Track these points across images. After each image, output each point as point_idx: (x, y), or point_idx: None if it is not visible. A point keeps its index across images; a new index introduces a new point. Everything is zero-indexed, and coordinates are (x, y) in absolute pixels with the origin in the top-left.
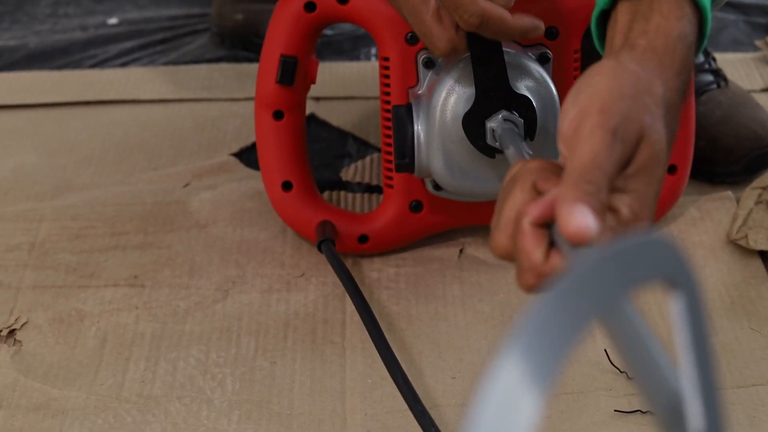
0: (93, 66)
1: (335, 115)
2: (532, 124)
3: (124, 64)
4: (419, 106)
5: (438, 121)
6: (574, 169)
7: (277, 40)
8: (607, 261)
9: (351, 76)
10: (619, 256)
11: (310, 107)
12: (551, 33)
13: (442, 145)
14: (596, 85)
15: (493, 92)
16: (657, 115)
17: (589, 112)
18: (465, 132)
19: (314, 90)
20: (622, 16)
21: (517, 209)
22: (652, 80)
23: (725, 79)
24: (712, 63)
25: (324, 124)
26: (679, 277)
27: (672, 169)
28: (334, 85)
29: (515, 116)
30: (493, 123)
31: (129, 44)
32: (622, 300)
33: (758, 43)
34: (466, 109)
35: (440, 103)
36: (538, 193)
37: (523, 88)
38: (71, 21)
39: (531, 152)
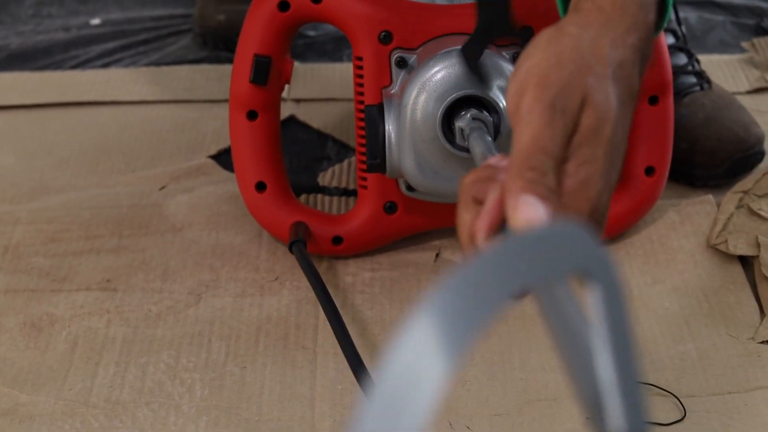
0: (74, 67)
1: (316, 117)
2: (498, 124)
3: (105, 65)
4: (391, 106)
5: (409, 121)
6: (516, 156)
7: (251, 39)
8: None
9: (333, 78)
10: (537, 241)
11: (291, 109)
12: (526, 32)
13: (413, 144)
14: (533, 57)
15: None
16: (602, 74)
17: (526, 87)
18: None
19: (295, 91)
20: None
21: (468, 231)
22: (596, 40)
23: (709, 81)
24: (696, 65)
25: (304, 126)
26: (594, 268)
27: (650, 171)
28: (315, 87)
29: (485, 115)
30: (462, 122)
31: (111, 45)
32: (556, 281)
33: (745, 44)
34: (439, 108)
35: (411, 102)
36: (479, 205)
37: (495, 87)
38: (54, 21)
39: (497, 153)
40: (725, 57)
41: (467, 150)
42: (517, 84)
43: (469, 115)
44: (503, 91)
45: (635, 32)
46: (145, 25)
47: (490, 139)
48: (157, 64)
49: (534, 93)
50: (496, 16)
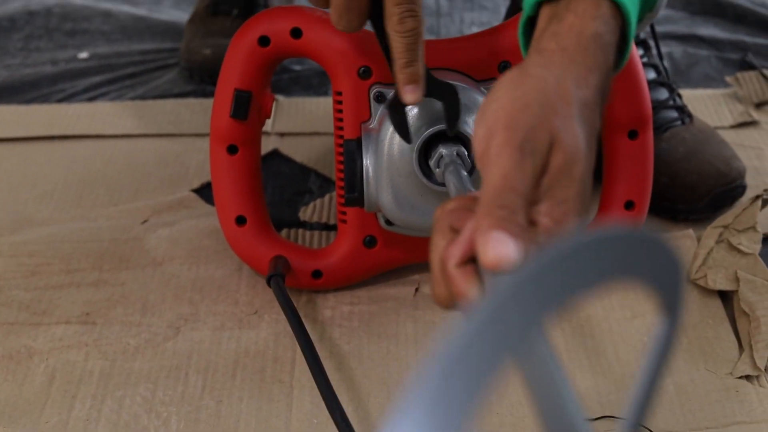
0: (61, 100)
1: (299, 151)
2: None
3: (92, 99)
4: (369, 140)
5: (386, 155)
6: (486, 195)
7: (232, 74)
8: (517, 290)
9: (317, 112)
10: (536, 273)
11: (275, 142)
12: (504, 67)
13: (390, 178)
14: (500, 99)
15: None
16: (569, 115)
17: (494, 129)
18: (415, 160)
19: (279, 125)
20: (541, 21)
21: (440, 257)
22: (561, 81)
23: (690, 116)
24: (677, 99)
25: (287, 160)
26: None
27: (629, 205)
28: (299, 121)
29: (461, 149)
30: (438, 157)
31: (98, 78)
32: (533, 334)
33: (729, 79)
34: (415, 143)
35: (388, 136)
36: (455, 233)
37: (471, 122)
38: (42, 55)
39: (472, 188)
40: (709, 91)
41: (444, 184)
42: (484, 127)
43: (444, 150)
44: None
45: (597, 73)
46: (132, 59)
47: (465, 174)
48: (143, 97)
49: (503, 135)
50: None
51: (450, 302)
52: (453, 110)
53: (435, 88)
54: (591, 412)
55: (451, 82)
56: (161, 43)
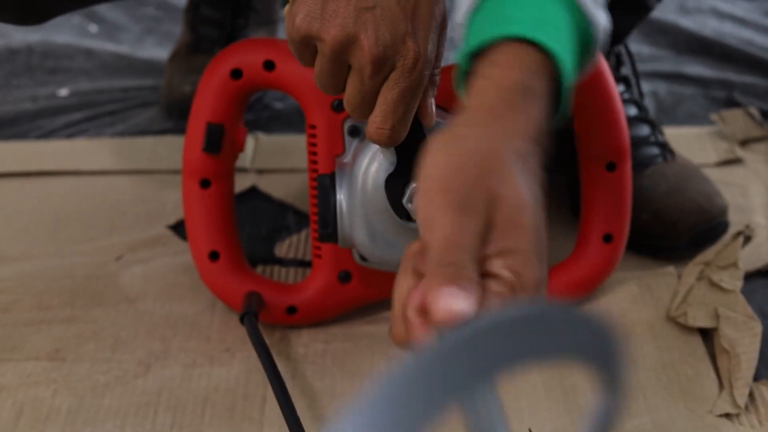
0: (39, 137)
1: (278, 188)
2: None
3: (71, 135)
4: (343, 175)
5: (360, 190)
6: (432, 257)
7: (204, 107)
8: (462, 342)
9: (297, 149)
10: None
11: (253, 179)
12: None
13: (364, 214)
14: (433, 164)
15: (414, 155)
16: (504, 169)
17: (432, 194)
18: (387, 196)
19: (258, 162)
20: (472, 76)
21: (402, 298)
22: (489, 138)
23: (672, 153)
24: (659, 136)
25: (265, 197)
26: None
27: (608, 238)
28: (278, 158)
29: None
30: (411, 191)
31: (77, 115)
32: (479, 385)
33: (713, 117)
34: (387, 176)
35: (362, 171)
36: (419, 276)
37: None
38: (22, 91)
39: None
40: (694, 130)
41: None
42: (422, 193)
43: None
44: None
45: (525, 122)
46: (112, 96)
47: None
48: (122, 134)
49: (441, 199)
50: (416, 153)
51: (406, 343)
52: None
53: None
54: None
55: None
56: (142, 81)
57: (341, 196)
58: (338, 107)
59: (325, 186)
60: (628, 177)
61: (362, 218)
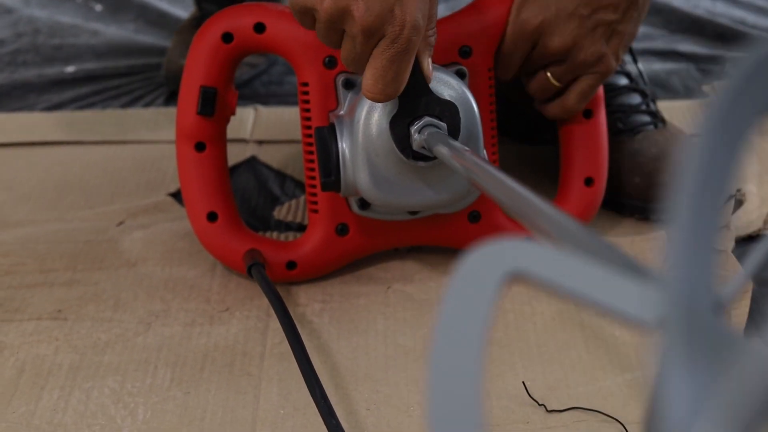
0: (45, 109)
1: (276, 158)
2: (456, 126)
3: (78, 109)
4: (342, 126)
5: (362, 137)
6: None
7: (197, 71)
8: None
9: (295, 121)
10: None
11: (253, 150)
12: (465, 52)
13: (367, 159)
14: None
15: (415, 99)
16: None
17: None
18: (392, 138)
19: (257, 133)
20: None
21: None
22: None
23: (663, 121)
24: (651, 105)
25: (264, 166)
26: None
27: (589, 181)
28: (277, 130)
29: (437, 121)
30: (417, 128)
31: (85, 89)
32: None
33: (706, 88)
34: (390, 120)
35: (362, 119)
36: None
37: (446, 95)
38: (29, 69)
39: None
40: (688, 102)
41: (423, 158)
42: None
43: (423, 124)
44: (453, 98)
45: None
46: (118, 71)
47: (452, 139)
48: (125, 106)
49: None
50: (416, 91)
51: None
52: (454, 128)
53: (436, 106)
54: (560, 404)
55: (450, 100)
56: (148, 59)
57: (343, 145)
58: (329, 64)
59: (324, 137)
60: (604, 123)
61: (365, 164)
